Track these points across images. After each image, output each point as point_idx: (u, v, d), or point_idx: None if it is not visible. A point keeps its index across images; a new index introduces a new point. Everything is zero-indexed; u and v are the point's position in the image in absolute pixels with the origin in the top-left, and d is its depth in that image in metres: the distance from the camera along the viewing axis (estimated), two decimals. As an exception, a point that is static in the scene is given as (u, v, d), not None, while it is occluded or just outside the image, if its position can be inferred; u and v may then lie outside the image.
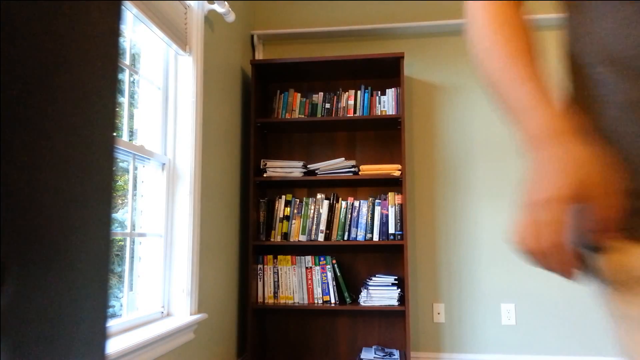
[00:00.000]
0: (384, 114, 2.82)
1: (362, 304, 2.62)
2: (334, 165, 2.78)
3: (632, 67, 0.57)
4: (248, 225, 2.86)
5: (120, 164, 1.78)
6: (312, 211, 2.78)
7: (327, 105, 2.89)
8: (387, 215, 2.70)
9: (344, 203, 2.77)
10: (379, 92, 2.88)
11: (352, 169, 2.75)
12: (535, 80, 0.60)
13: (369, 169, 2.71)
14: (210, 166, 2.34)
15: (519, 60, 0.61)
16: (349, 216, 2.75)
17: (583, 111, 0.63)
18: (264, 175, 2.78)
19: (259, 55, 3.14)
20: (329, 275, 2.72)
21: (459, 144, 2.97)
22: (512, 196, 2.88)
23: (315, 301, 2.72)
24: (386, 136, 2.96)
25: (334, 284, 2.72)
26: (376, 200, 2.73)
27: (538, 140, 0.58)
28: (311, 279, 2.74)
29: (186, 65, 2.15)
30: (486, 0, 0.65)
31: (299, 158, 3.00)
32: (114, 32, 0.43)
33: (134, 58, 1.95)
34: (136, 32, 1.96)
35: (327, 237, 2.75)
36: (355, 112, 2.85)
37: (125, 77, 1.82)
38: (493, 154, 2.91)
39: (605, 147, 0.60)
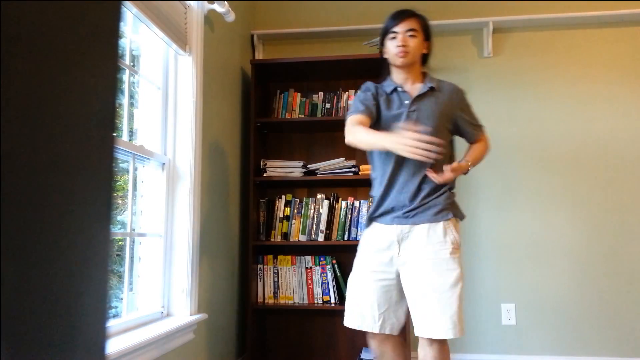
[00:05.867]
0: (384, 114, 2.82)
1: (362, 304, 2.61)
2: (334, 165, 2.78)
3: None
4: (248, 225, 2.86)
5: (120, 164, 1.78)
6: (312, 211, 2.78)
7: (327, 105, 2.89)
8: (387, 215, 2.70)
9: (344, 203, 2.77)
10: (379, 92, 2.88)
11: (352, 169, 2.75)
12: (372, 133, 1.62)
13: (369, 169, 2.71)
14: (210, 166, 2.34)
15: (364, 136, 1.64)
16: (349, 216, 2.74)
17: None
18: (264, 175, 2.78)
19: (259, 55, 3.14)
20: (329, 275, 2.72)
21: (459, 143, 2.97)
22: (511, 196, 2.88)
23: (315, 301, 2.72)
24: (386, 136, 2.96)
25: (334, 284, 2.72)
26: (376, 200, 2.73)
27: (383, 139, 1.57)
28: (311, 279, 2.74)
29: (186, 65, 2.15)
30: (348, 126, 1.72)
31: (299, 158, 3.00)
32: (114, 32, 0.43)
33: (134, 58, 1.95)
34: (136, 32, 1.96)
35: (327, 237, 2.75)
36: (355, 112, 2.85)
37: (125, 77, 1.82)
38: (493, 154, 2.91)
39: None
